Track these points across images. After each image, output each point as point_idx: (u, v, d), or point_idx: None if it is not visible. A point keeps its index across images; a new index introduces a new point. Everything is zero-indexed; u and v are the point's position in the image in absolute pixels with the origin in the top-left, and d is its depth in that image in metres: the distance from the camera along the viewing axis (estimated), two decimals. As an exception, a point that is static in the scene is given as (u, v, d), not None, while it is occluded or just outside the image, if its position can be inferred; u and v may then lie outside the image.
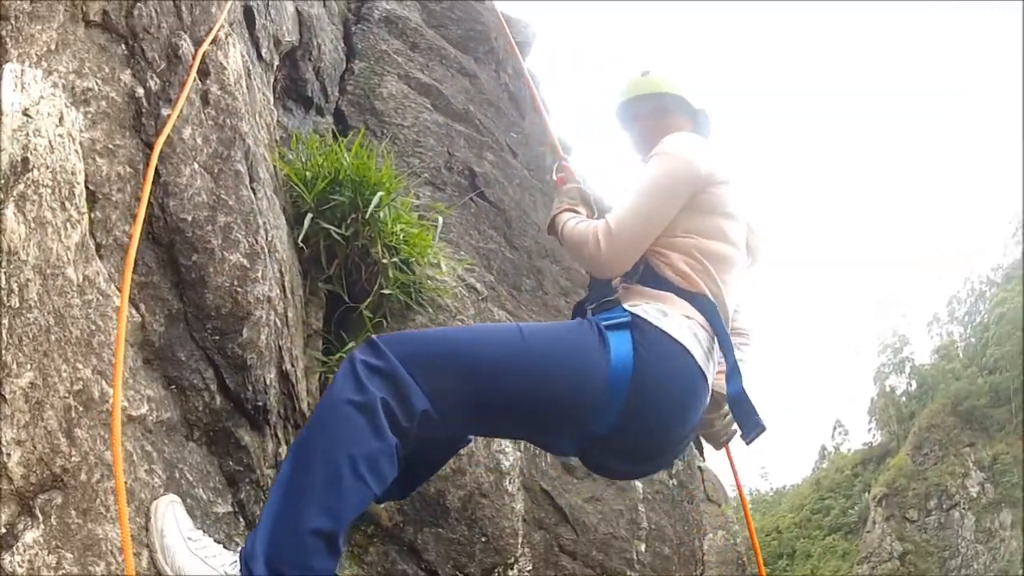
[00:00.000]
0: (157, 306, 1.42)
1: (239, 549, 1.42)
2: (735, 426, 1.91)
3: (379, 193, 2.58)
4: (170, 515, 1.38)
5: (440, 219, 3.20)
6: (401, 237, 2.76)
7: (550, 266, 4.04)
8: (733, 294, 1.94)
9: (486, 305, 3.35)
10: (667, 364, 1.64)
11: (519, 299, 3.68)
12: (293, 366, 2.09)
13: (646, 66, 2.31)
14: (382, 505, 2.58)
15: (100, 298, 1.25)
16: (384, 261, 2.67)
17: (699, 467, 4.16)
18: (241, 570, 1.36)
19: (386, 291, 2.71)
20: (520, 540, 2.87)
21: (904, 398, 57.67)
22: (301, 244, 2.46)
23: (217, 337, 1.56)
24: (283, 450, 2.03)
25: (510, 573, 2.83)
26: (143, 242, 1.38)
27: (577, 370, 1.60)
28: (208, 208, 1.55)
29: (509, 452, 2.99)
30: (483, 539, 2.75)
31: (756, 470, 71.65)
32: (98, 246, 1.31)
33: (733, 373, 1.80)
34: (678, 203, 1.84)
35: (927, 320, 71.12)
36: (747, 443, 1.85)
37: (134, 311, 1.34)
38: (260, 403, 1.71)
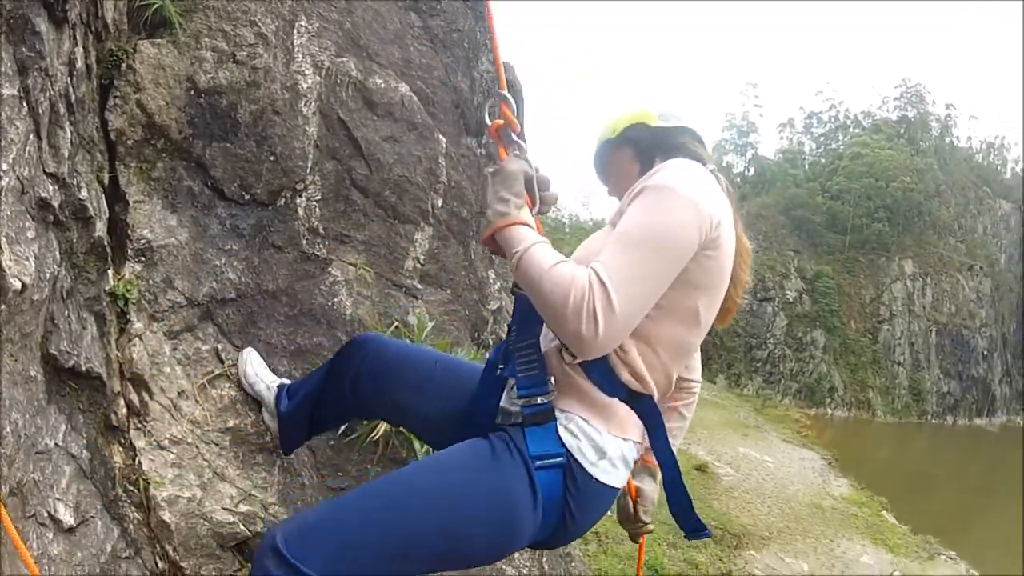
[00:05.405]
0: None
1: None
2: (650, 524, 2.04)
3: None
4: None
5: None
6: None
7: None
8: (682, 366, 1.71)
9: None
10: (594, 508, 1.60)
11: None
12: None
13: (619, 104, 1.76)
14: (172, 117, 2.40)
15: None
16: None
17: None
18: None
19: None
20: (310, 165, 2.79)
21: (739, 179, 58.66)
22: None
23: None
24: (79, 52, 2.00)
25: (298, 200, 2.77)
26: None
27: (508, 531, 1.51)
28: None
29: (309, 74, 2.80)
30: (271, 158, 2.66)
31: (578, 198, 74.53)
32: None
33: (674, 490, 1.72)
34: (683, 262, 1.43)
35: (780, 122, 74.52)
36: (688, 539, 1.80)
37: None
38: (57, -12, 1.74)
